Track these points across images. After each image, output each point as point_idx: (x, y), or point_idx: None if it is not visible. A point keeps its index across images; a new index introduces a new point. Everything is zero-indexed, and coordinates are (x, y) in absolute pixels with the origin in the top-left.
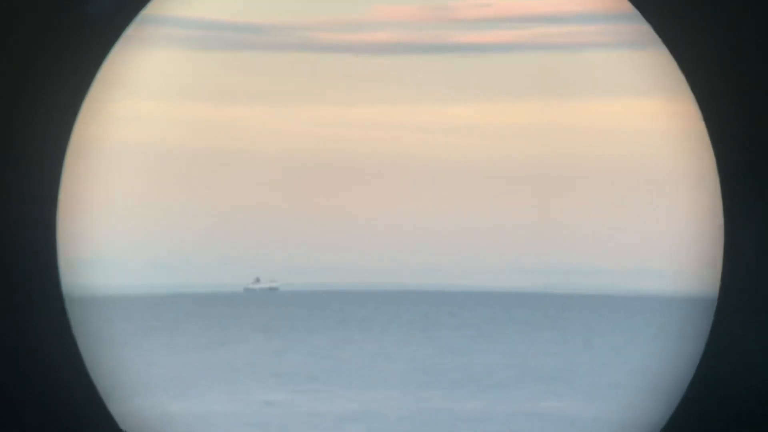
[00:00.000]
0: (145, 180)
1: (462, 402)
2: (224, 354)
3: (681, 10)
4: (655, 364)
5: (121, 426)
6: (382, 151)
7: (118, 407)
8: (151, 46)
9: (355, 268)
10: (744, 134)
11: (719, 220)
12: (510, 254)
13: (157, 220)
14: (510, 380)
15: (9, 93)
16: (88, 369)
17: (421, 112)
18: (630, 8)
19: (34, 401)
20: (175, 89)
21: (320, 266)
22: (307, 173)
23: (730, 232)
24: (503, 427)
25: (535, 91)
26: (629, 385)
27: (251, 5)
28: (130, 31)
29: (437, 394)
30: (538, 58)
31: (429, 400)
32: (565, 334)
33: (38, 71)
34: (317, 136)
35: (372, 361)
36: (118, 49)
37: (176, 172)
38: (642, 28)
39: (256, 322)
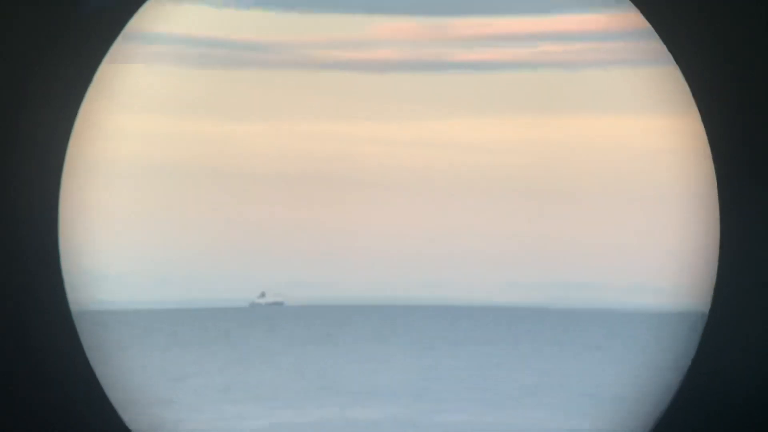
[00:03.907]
0: (145, 195)
1: (432, 415)
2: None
3: (692, 26)
4: (643, 377)
5: None
6: (380, 166)
7: (131, 419)
8: (150, 63)
9: (359, 282)
10: (746, 154)
11: (715, 238)
12: (509, 269)
13: (158, 235)
14: (499, 393)
15: (8, 91)
16: (100, 382)
17: (420, 128)
18: (632, 26)
19: (43, 413)
20: (176, 106)
21: (325, 280)
22: (306, 188)
23: (725, 249)
24: None
25: (534, 108)
26: (615, 398)
27: (249, 23)
28: (123, 44)
29: (438, 408)
30: (538, 76)
31: (426, 413)
32: (558, 348)
33: (34, 80)
34: (316, 152)
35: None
36: (114, 66)
37: (177, 187)
38: (646, 45)
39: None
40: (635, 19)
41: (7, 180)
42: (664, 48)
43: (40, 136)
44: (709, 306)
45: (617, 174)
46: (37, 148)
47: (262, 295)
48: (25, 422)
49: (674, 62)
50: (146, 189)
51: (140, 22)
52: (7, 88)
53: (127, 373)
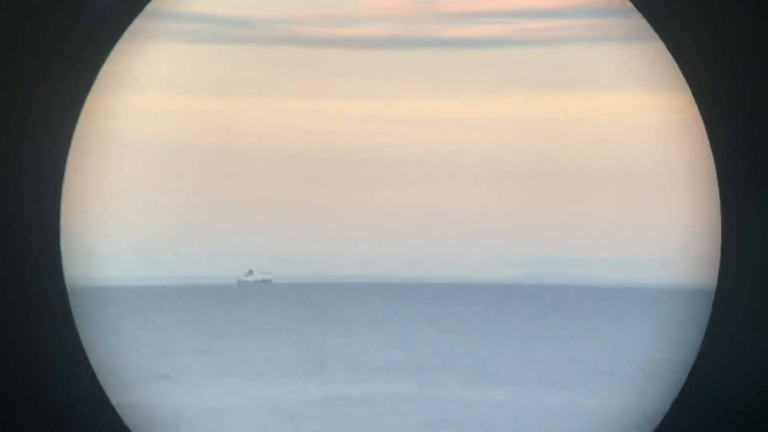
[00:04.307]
0: (136, 173)
1: (461, 391)
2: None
3: (676, 3)
4: (654, 355)
5: (124, 418)
6: (369, 144)
7: (120, 399)
8: (145, 41)
9: (346, 259)
10: (741, 128)
11: (717, 212)
12: (502, 246)
13: (148, 213)
14: (506, 371)
15: (12, 88)
16: (90, 360)
17: (408, 106)
18: (622, 2)
19: (36, 392)
20: (164, 83)
21: (312, 258)
22: (296, 166)
23: (727, 224)
24: (502, 418)
25: (522, 85)
26: (627, 377)
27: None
28: (131, 27)
29: (436, 383)
30: (526, 53)
31: (429, 387)
32: (561, 326)
33: (41, 66)
34: (305, 130)
35: (372, 351)
36: (116, 45)
37: (166, 165)
38: (634, 22)
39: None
40: None
41: (10, 170)
42: (648, 25)
43: (46, 118)
44: (715, 283)
45: (608, 151)
46: (42, 130)
47: (250, 272)
48: (17, 408)
49: (660, 39)
50: (130, 166)
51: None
52: (15, 67)
53: (119, 352)
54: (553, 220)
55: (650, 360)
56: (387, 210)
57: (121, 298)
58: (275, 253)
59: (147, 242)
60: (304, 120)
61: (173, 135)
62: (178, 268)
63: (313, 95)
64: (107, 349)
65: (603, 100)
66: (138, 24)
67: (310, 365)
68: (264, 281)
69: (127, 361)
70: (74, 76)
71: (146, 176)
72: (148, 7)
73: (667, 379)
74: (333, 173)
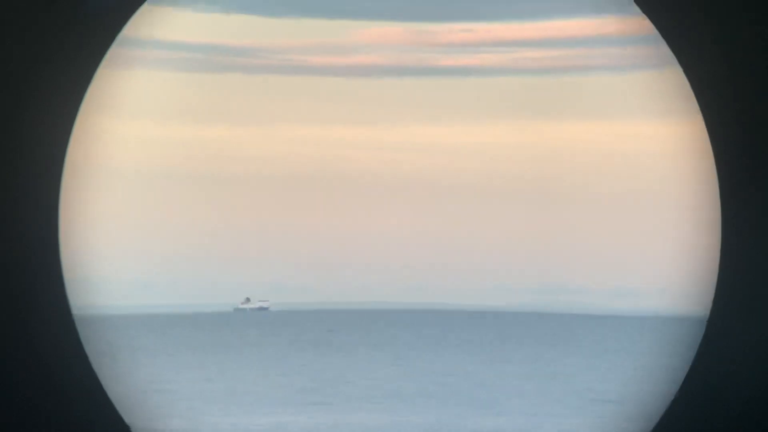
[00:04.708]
0: (130, 201)
1: (445, 420)
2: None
3: (694, 30)
4: (644, 380)
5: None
6: (366, 170)
7: (131, 421)
8: (135, 68)
9: (344, 286)
10: (749, 158)
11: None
12: (500, 273)
13: (142, 240)
14: (497, 397)
15: (5, 102)
16: (100, 380)
17: (406, 133)
18: (631, 31)
19: (43, 416)
20: (158, 110)
21: (309, 285)
22: (292, 193)
23: (726, 253)
24: None
25: (521, 113)
26: (616, 400)
27: (234, 27)
28: (123, 49)
29: (434, 412)
30: (526, 81)
31: (409, 416)
32: (555, 352)
33: (33, 78)
34: (302, 157)
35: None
36: (104, 71)
37: (161, 193)
38: (644, 50)
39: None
40: (634, 23)
41: (6, 184)
42: (670, 51)
43: (39, 142)
44: (709, 310)
45: (612, 178)
46: (36, 153)
47: (247, 300)
48: (27, 424)
49: (678, 64)
50: (127, 194)
51: (128, 27)
52: (6, 91)
53: (123, 377)
54: (553, 247)
55: (643, 387)
56: (385, 236)
57: (117, 325)
58: (272, 281)
59: (142, 270)
60: (300, 147)
61: (167, 162)
62: (173, 296)
63: (310, 123)
64: (112, 374)
65: (600, 127)
66: (127, 51)
67: (312, 394)
68: (261, 309)
69: (131, 387)
70: (68, 85)
71: (141, 204)
72: (143, 36)
73: (655, 403)
74: (330, 200)
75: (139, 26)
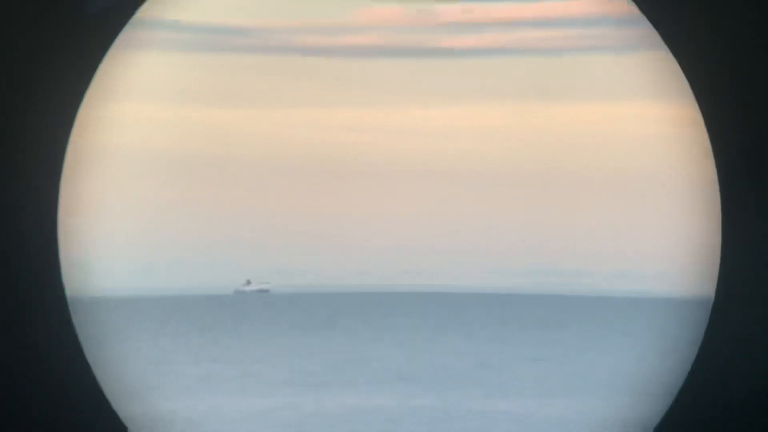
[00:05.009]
0: (133, 183)
1: (454, 402)
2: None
3: (684, 13)
4: (650, 365)
5: (128, 426)
6: (366, 153)
7: (123, 408)
8: (139, 50)
9: (344, 269)
10: (746, 139)
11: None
12: (498, 256)
13: (144, 223)
14: (497, 380)
15: (6, 95)
16: (93, 370)
17: (405, 115)
18: (623, 12)
19: (39, 402)
20: (161, 92)
21: (310, 268)
22: (292, 175)
23: (728, 235)
24: (495, 427)
25: (521, 94)
26: (622, 386)
27: (232, 7)
28: (124, 34)
29: (430, 394)
30: (523, 62)
31: (419, 398)
32: (558, 335)
33: (35, 74)
34: (303, 139)
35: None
36: (110, 53)
37: (162, 175)
38: (635, 31)
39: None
40: (624, 4)
41: (6, 184)
42: (657, 34)
43: (41, 131)
44: (713, 291)
45: (608, 160)
46: (37, 140)
47: (248, 282)
48: (20, 415)
49: (667, 47)
50: (126, 177)
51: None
52: (6, 85)
53: (119, 363)
54: (551, 229)
55: (649, 369)
56: (384, 219)
57: (117, 308)
58: (273, 263)
59: (142, 252)
60: (301, 129)
61: (169, 144)
62: (173, 278)
63: (311, 105)
64: (108, 359)
65: (602, 109)
66: (133, 32)
67: (317, 376)
68: (262, 291)
69: (128, 372)
70: (69, 81)
71: (142, 186)
72: (144, 14)
73: (662, 389)
74: (330, 182)
75: (146, 6)
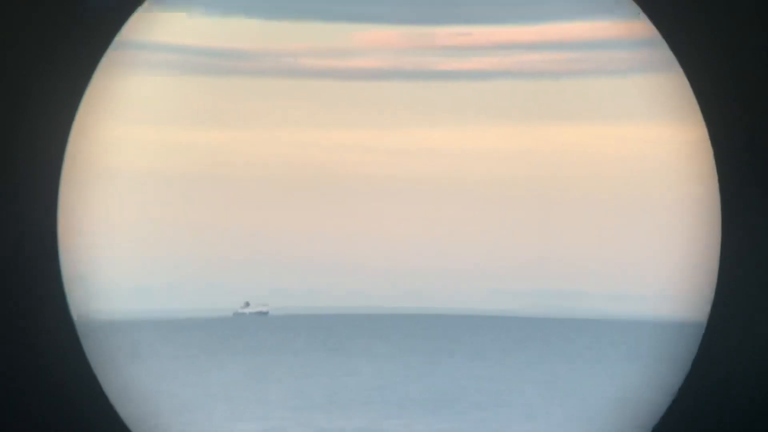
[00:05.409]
0: (127, 204)
1: (457, 425)
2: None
3: (697, 32)
4: (640, 386)
5: None
6: (366, 174)
7: (135, 426)
8: (136, 72)
9: (344, 291)
10: (750, 162)
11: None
12: (499, 277)
13: (141, 244)
14: (487, 403)
15: (6, 96)
16: (104, 389)
17: (405, 137)
18: (633, 34)
19: (48, 418)
20: (160, 114)
21: (308, 290)
22: (291, 197)
23: (725, 257)
24: None
25: (520, 117)
26: (611, 407)
27: (232, 31)
28: (118, 46)
29: (431, 417)
30: (523, 84)
31: (420, 423)
32: (551, 357)
33: (35, 73)
34: (300, 160)
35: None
36: (103, 73)
37: (159, 197)
38: (645, 53)
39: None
40: (636, 27)
41: (6, 185)
42: (672, 55)
43: (37, 142)
44: (708, 314)
45: (613, 182)
46: (34, 153)
47: (246, 304)
48: (27, 428)
49: (680, 68)
50: (126, 197)
51: (126, 30)
52: (3, 92)
53: (126, 382)
54: (551, 252)
55: (643, 391)
56: (384, 240)
57: (116, 330)
58: (272, 285)
59: (140, 274)
60: (298, 151)
61: (166, 166)
62: (171, 301)
63: (308, 126)
64: (115, 378)
65: (601, 131)
66: (127, 54)
67: (318, 399)
68: (261, 313)
69: (129, 391)
70: (69, 81)
71: (139, 208)
72: (144, 38)
73: (651, 409)
74: (328, 204)
75: (137, 28)
